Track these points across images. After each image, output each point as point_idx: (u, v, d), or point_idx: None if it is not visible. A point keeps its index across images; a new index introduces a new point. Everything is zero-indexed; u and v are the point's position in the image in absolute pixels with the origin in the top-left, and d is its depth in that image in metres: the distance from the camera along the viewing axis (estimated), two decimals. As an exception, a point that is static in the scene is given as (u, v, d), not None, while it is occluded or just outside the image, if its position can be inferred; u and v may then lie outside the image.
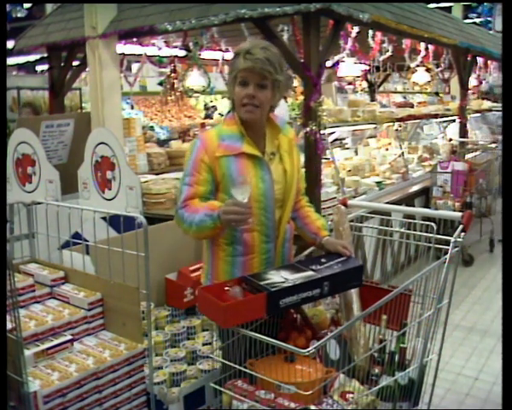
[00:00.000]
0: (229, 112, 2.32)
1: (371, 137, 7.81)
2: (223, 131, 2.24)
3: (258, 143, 2.25)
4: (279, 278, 1.99)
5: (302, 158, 4.25)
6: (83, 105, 8.08)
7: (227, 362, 2.07)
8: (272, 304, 1.90)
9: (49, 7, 8.76)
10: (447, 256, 2.01)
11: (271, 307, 1.90)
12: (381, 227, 2.52)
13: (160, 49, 6.25)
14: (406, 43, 6.68)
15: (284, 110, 4.59)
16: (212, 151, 2.18)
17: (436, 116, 7.63)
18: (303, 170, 2.60)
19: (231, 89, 2.23)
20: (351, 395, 1.91)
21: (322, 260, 2.17)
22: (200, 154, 2.19)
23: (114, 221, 2.55)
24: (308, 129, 4.12)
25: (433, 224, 2.26)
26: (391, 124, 6.58)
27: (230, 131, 2.23)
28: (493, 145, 7.36)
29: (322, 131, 4.22)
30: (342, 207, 2.45)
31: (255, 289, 1.95)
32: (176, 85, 7.66)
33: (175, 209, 2.25)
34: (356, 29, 5.46)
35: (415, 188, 6.15)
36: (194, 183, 2.19)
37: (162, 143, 7.38)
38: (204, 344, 2.86)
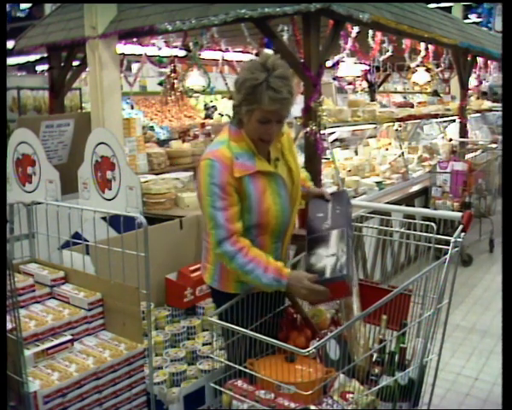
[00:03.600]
0: (231, 122, 2.24)
1: (371, 137, 7.81)
2: (233, 149, 2.15)
3: (264, 153, 2.23)
4: (328, 258, 2.03)
5: (302, 158, 4.28)
6: (83, 105, 8.08)
7: (227, 362, 2.07)
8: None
9: (49, 7, 8.75)
10: (447, 256, 2.01)
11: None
12: (381, 227, 2.51)
13: (160, 49, 6.26)
14: (406, 43, 6.69)
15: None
16: (231, 171, 2.12)
17: (436, 116, 7.63)
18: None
19: (244, 115, 2.13)
20: (351, 395, 1.91)
21: (320, 214, 2.23)
22: (224, 177, 2.10)
23: (114, 221, 2.55)
24: (308, 129, 4.12)
25: (433, 224, 2.26)
26: (391, 124, 6.58)
27: (240, 148, 2.16)
28: (493, 145, 7.35)
29: (322, 131, 4.22)
30: (342, 207, 2.45)
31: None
32: (176, 85, 7.67)
33: (216, 238, 2.12)
34: (356, 29, 5.47)
35: (415, 188, 6.15)
36: (228, 206, 2.11)
37: (162, 143, 7.37)
38: (204, 344, 2.86)
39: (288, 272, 2.08)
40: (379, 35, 6.07)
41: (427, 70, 8.45)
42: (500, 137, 7.43)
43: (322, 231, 2.16)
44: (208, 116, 9.35)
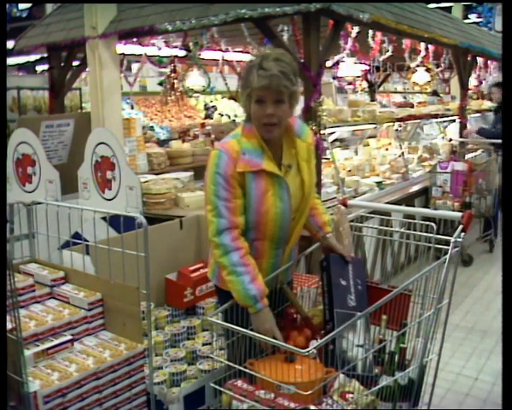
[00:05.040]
0: (246, 121, 2.21)
1: (371, 137, 7.81)
2: (243, 144, 2.15)
3: (276, 156, 2.19)
4: (358, 348, 2.05)
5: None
6: (83, 105, 8.08)
7: (227, 362, 2.07)
8: None
9: (49, 7, 8.75)
10: (447, 256, 2.01)
11: None
12: (381, 227, 2.52)
13: (159, 49, 6.26)
14: (406, 43, 6.69)
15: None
16: (236, 165, 2.12)
17: (436, 116, 7.63)
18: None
19: (246, 104, 2.15)
20: (350, 395, 1.91)
21: (343, 282, 2.22)
22: (229, 169, 2.10)
23: (114, 221, 2.55)
24: (308, 129, 4.12)
25: (433, 224, 2.26)
26: (391, 124, 6.58)
27: (251, 145, 2.15)
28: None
29: (322, 131, 4.22)
30: (342, 208, 2.46)
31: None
32: (176, 85, 7.67)
33: (217, 226, 2.11)
34: (356, 29, 5.47)
35: (415, 188, 6.14)
36: (231, 198, 2.11)
37: (162, 143, 7.37)
38: (204, 344, 2.86)
39: (266, 302, 2.09)
40: (379, 35, 6.07)
41: (427, 70, 8.45)
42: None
43: (349, 307, 2.16)
44: (208, 116, 9.34)
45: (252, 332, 1.98)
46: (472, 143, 7.68)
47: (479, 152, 7.31)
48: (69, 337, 2.25)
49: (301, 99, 4.24)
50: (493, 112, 7.53)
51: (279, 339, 2.03)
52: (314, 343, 1.92)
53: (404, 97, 12.81)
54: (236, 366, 2.00)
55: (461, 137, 7.63)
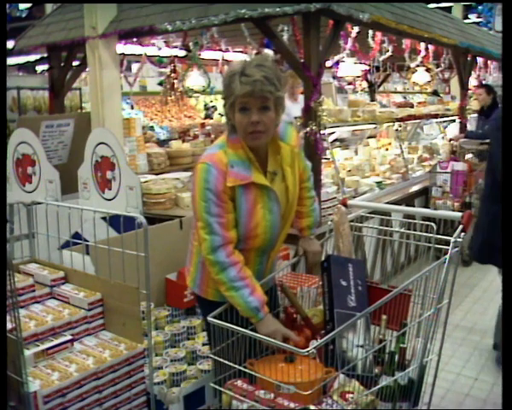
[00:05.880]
0: (230, 133, 2.15)
1: (371, 137, 7.81)
2: (230, 156, 2.08)
3: (261, 164, 2.14)
4: (358, 349, 2.04)
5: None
6: (83, 105, 8.09)
7: (227, 362, 2.07)
8: None
9: (49, 7, 8.76)
10: (447, 256, 2.01)
11: None
12: (381, 227, 2.51)
13: (160, 49, 6.26)
14: (406, 43, 6.69)
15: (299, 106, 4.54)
16: (226, 179, 2.06)
17: (436, 116, 7.63)
18: (309, 163, 2.52)
19: (230, 114, 2.08)
20: (350, 395, 1.91)
21: (343, 282, 2.22)
22: (220, 184, 2.04)
23: (114, 221, 2.55)
24: (308, 129, 4.12)
25: (432, 224, 2.25)
26: (391, 124, 6.58)
27: (237, 156, 2.08)
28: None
29: (322, 131, 4.22)
30: (342, 208, 2.45)
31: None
32: (176, 85, 7.67)
33: (211, 244, 2.06)
34: (356, 29, 5.47)
35: (415, 188, 6.15)
36: (223, 213, 2.06)
37: (162, 143, 7.38)
38: (204, 344, 2.86)
39: (267, 310, 2.09)
40: (379, 35, 6.07)
41: (427, 70, 8.45)
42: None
43: (349, 308, 2.16)
44: (208, 116, 9.35)
45: (252, 332, 1.98)
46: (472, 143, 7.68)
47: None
48: (69, 337, 2.25)
49: (301, 99, 4.27)
50: (477, 112, 7.57)
51: (289, 335, 2.04)
52: (314, 343, 1.92)
53: (404, 97, 12.82)
54: (236, 366, 2.00)
55: (451, 141, 7.63)
